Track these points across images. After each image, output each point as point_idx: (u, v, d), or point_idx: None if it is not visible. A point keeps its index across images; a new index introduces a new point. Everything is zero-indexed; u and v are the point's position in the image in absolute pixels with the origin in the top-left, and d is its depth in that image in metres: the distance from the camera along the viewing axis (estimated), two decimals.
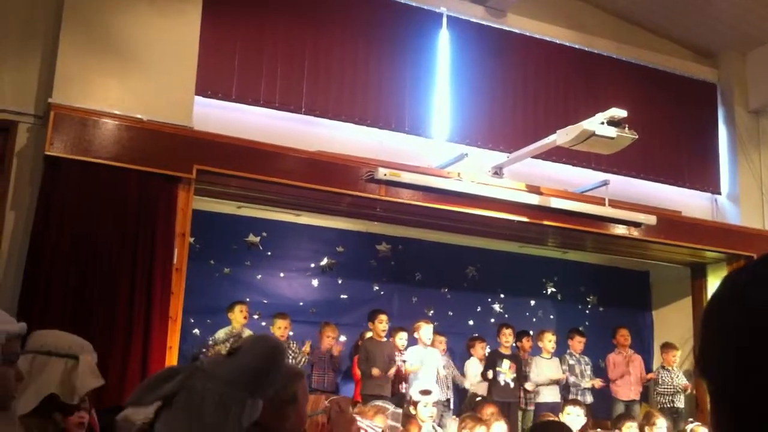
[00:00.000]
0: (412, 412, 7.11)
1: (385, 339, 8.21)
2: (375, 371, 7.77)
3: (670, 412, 8.69)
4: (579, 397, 8.57)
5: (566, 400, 8.17)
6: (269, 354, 1.79)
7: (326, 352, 8.14)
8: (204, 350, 7.21)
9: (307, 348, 8.01)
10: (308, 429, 3.02)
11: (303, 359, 7.90)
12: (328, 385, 8.07)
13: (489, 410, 7.03)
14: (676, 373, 9.05)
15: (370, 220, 8.38)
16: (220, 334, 7.81)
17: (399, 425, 6.43)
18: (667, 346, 9.29)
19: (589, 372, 8.93)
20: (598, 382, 8.88)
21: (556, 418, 7.01)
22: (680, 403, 8.97)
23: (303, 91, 7.59)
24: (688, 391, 9.04)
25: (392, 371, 8.02)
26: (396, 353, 8.24)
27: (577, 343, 9.11)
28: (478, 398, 7.97)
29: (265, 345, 1.81)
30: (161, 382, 1.68)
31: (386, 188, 7.28)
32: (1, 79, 6.46)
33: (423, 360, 8.13)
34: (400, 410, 6.85)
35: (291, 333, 8.11)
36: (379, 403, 6.84)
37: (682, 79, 9.73)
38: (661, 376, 9.09)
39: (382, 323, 8.17)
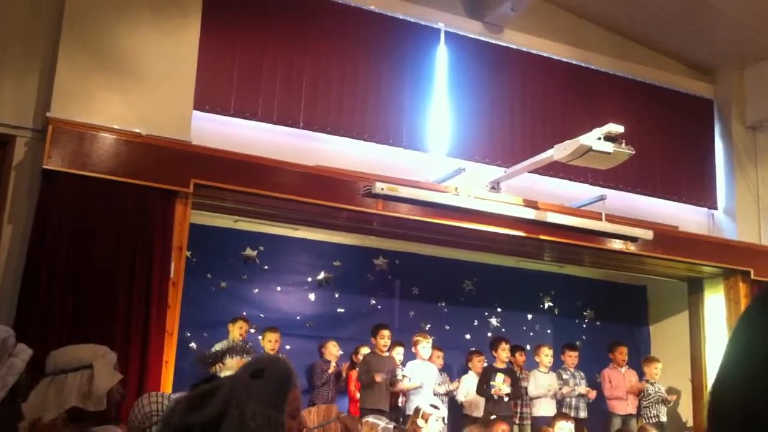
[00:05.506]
0: (420, 425, 7.07)
1: (386, 354, 8.19)
2: (378, 377, 7.74)
3: (656, 426, 8.63)
4: (572, 411, 8.56)
5: (557, 414, 8.11)
6: (289, 376, 1.91)
7: (330, 372, 8.15)
8: (207, 362, 7.17)
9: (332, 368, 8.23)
10: None
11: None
12: (330, 401, 8.06)
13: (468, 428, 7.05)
14: (658, 386, 9.00)
15: (367, 235, 8.38)
16: (218, 347, 7.77)
17: None
18: (648, 360, 9.26)
19: (584, 385, 8.90)
20: (592, 393, 8.86)
21: None
22: (664, 417, 8.92)
23: (301, 106, 7.61)
24: (671, 401, 8.99)
25: (396, 386, 8.03)
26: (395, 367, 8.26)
27: (571, 358, 9.10)
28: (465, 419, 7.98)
29: (284, 367, 1.93)
30: (206, 399, 1.68)
31: (383, 203, 7.28)
32: (0, 93, 6.47)
33: (422, 376, 8.12)
34: (392, 425, 6.80)
35: (288, 347, 8.11)
36: (371, 419, 6.80)
37: (679, 95, 9.76)
38: (647, 390, 9.04)
39: (384, 338, 8.13)
